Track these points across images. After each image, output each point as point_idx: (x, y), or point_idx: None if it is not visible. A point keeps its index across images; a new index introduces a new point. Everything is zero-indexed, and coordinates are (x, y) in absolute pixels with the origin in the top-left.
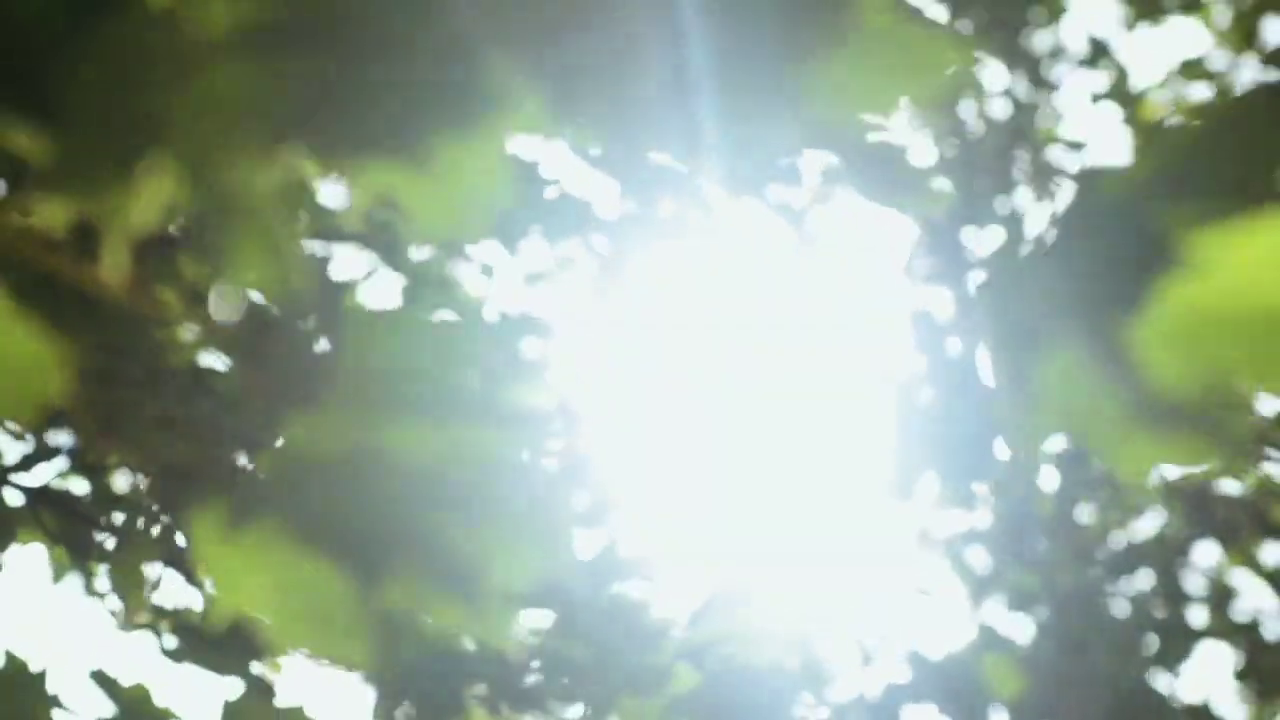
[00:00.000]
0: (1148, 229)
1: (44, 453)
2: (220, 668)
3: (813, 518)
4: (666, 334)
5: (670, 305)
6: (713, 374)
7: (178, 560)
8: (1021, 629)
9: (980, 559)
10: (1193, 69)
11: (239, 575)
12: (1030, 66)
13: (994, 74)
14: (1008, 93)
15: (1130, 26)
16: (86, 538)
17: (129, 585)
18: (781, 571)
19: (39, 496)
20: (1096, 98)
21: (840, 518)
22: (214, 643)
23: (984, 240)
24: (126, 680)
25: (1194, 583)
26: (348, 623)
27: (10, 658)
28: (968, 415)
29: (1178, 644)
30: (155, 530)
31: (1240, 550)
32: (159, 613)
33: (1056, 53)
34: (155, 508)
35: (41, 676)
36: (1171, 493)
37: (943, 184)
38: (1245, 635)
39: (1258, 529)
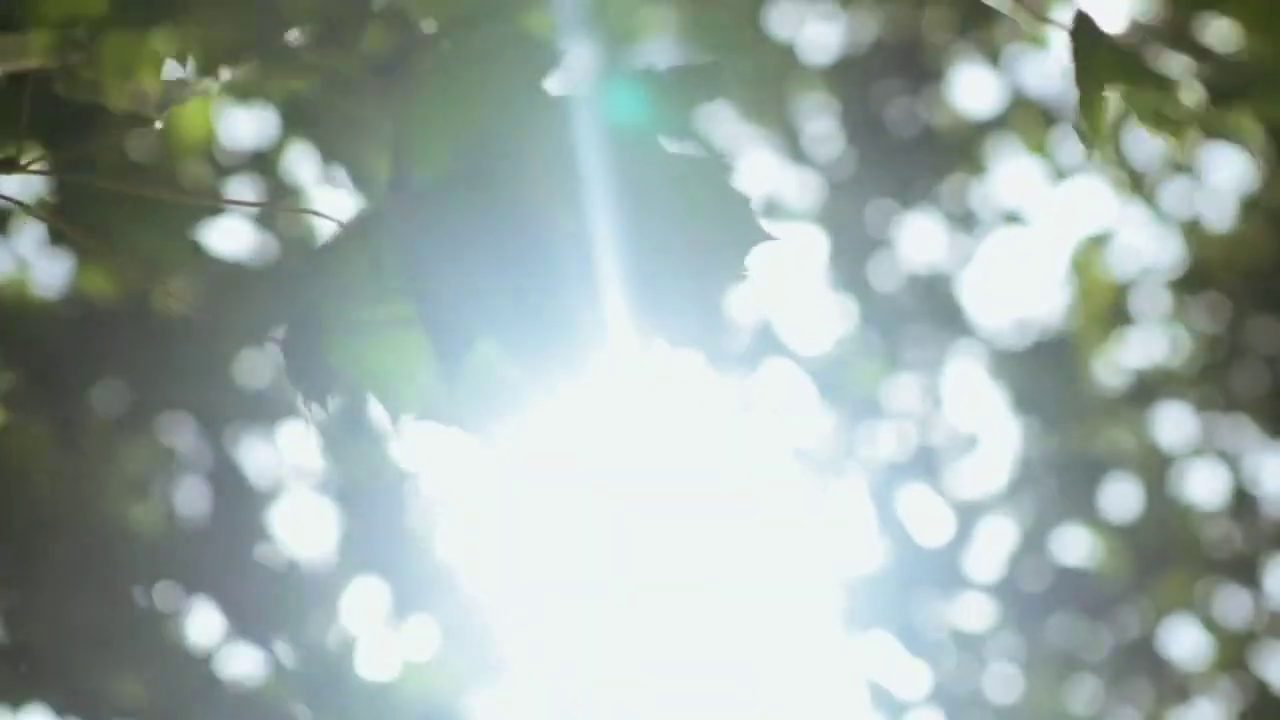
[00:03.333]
0: None
1: None
2: None
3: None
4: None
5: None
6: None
7: None
8: None
9: None
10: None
11: None
12: (951, 224)
13: (914, 232)
14: (928, 251)
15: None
16: None
17: None
18: None
19: None
20: (1015, 258)
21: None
22: None
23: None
24: None
25: None
26: None
27: None
28: (908, 570)
29: None
30: None
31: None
32: None
33: (973, 214)
34: None
35: None
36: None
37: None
38: None
39: (1180, 700)
